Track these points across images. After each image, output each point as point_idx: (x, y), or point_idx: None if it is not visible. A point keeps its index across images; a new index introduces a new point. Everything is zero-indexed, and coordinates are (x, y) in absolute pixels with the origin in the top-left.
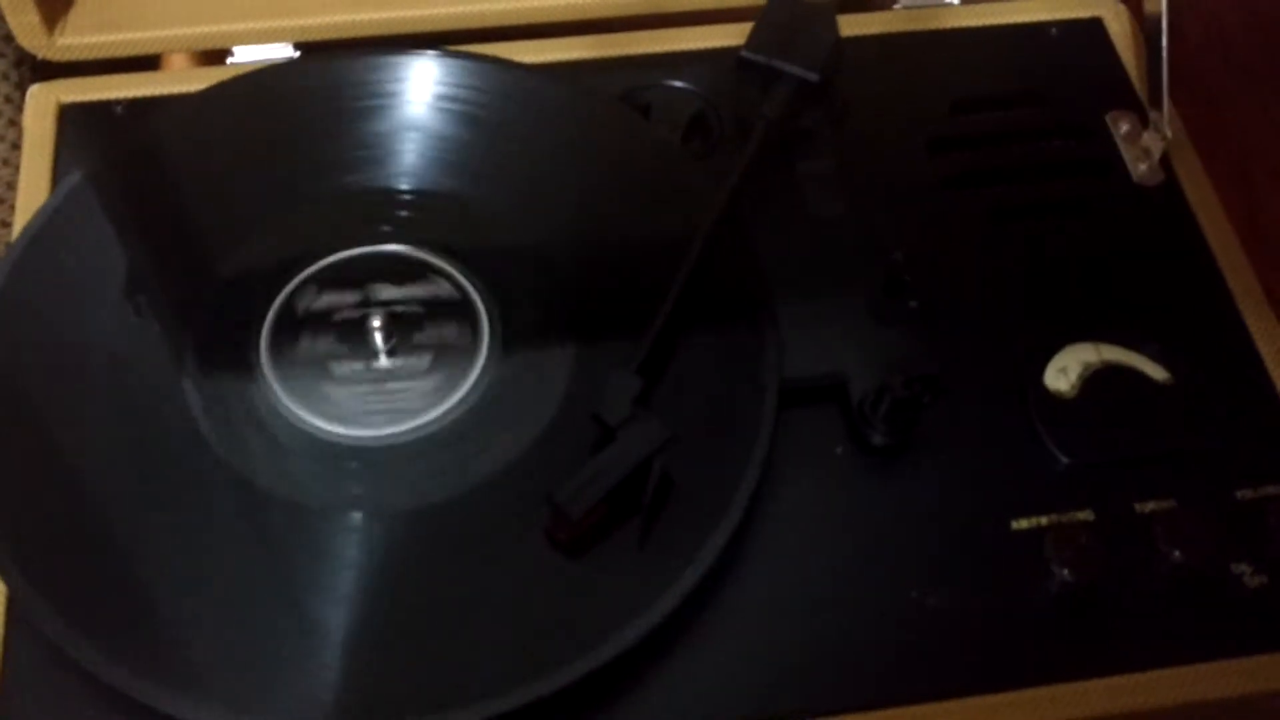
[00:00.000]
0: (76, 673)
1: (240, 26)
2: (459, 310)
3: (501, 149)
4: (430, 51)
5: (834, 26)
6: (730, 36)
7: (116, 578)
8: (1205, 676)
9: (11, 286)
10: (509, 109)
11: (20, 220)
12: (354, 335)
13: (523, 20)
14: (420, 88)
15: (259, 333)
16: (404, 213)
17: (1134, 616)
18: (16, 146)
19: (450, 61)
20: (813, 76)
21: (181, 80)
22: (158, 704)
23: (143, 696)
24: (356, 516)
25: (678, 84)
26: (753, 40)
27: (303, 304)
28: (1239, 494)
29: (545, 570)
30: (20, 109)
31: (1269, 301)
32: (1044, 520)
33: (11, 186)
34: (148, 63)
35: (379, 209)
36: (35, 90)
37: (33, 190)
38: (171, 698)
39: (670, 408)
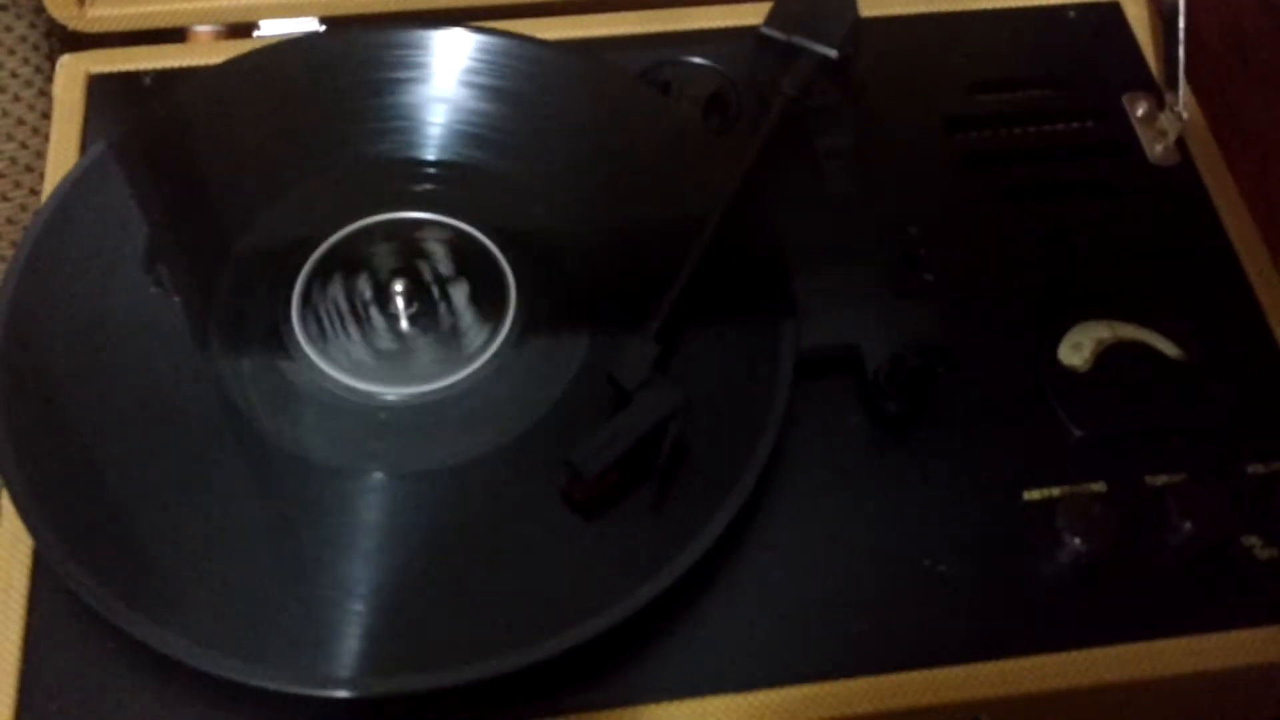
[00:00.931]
0: (101, 627)
1: (266, 0)
2: (483, 277)
3: (522, 123)
4: (451, 27)
5: (853, 4)
6: (750, 14)
7: (140, 534)
8: (1214, 646)
9: (39, 251)
10: (530, 84)
11: (49, 188)
12: (379, 300)
13: None
14: (442, 62)
15: (288, 294)
16: (426, 184)
17: (1144, 586)
18: (47, 116)
19: (471, 36)
20: (831, 53)
21: (208, 52)
22: (179, 655)
23: (166, 649)
24: (378, 476)
25: (697, 60)
26: (772, 17)
27: (329, 269)
28: (1250, 469)
29: (561, 531)
30: (50, 79)
31: None
32: (1056, 491)
33: (41, 155)
34: (176, 35)
35: (402, 179)
36: (65, 60)
37: (61, 159)
38: (190, 649)
39: (687, 375)
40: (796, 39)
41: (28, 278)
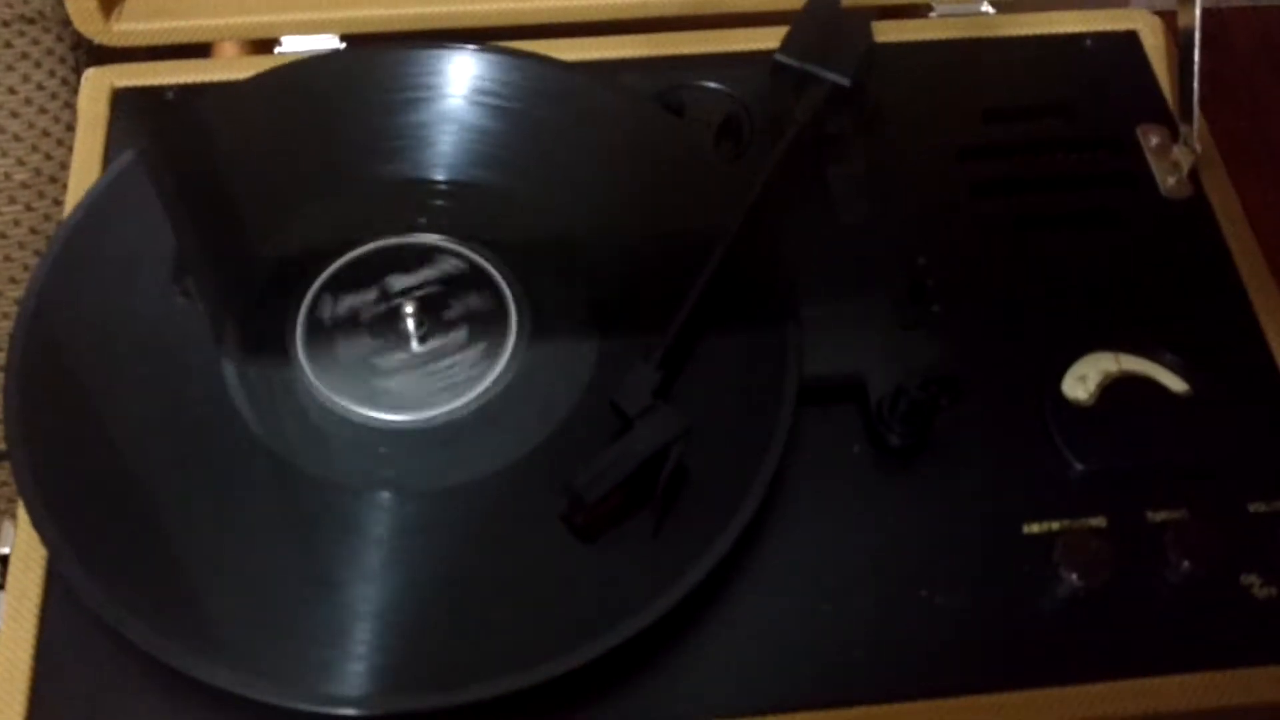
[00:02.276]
0: (112, 639)
1: (288, 17)
2: (490, 300)
3: (537, 144)
4: (468, 46)
5: (868, 33)
6: (766, 40)
7: (153, 548)
8: (1210, 685)
9: (62, 262)
10: (544, 104)
11: (72, 199)
12: (387, 322)
13: (564, 18)
14: (458, 82)
15: (295, 317)
16: (439, 203)
17: (1142, 623)
18: (72, 129)
19: (487, 57)
20: (845, 81)
21: (230, 68)
22: (188, 668)
23: (173, 661)
24: (383, 496)
25: (712, 85)
26: (787, 44)
27: (338, 290)
28: (1251, 507)
29: (562, 555)
30: (76, 92)
31: None
32: (1056, 525)
33: (66, 167)
34: (199, 50)
35: (415, 199)
36: (90, 74)
37: (85, 170)
38: (199, 662)
39: (690, 401)
40: (810, 67)
41: (51, 288)
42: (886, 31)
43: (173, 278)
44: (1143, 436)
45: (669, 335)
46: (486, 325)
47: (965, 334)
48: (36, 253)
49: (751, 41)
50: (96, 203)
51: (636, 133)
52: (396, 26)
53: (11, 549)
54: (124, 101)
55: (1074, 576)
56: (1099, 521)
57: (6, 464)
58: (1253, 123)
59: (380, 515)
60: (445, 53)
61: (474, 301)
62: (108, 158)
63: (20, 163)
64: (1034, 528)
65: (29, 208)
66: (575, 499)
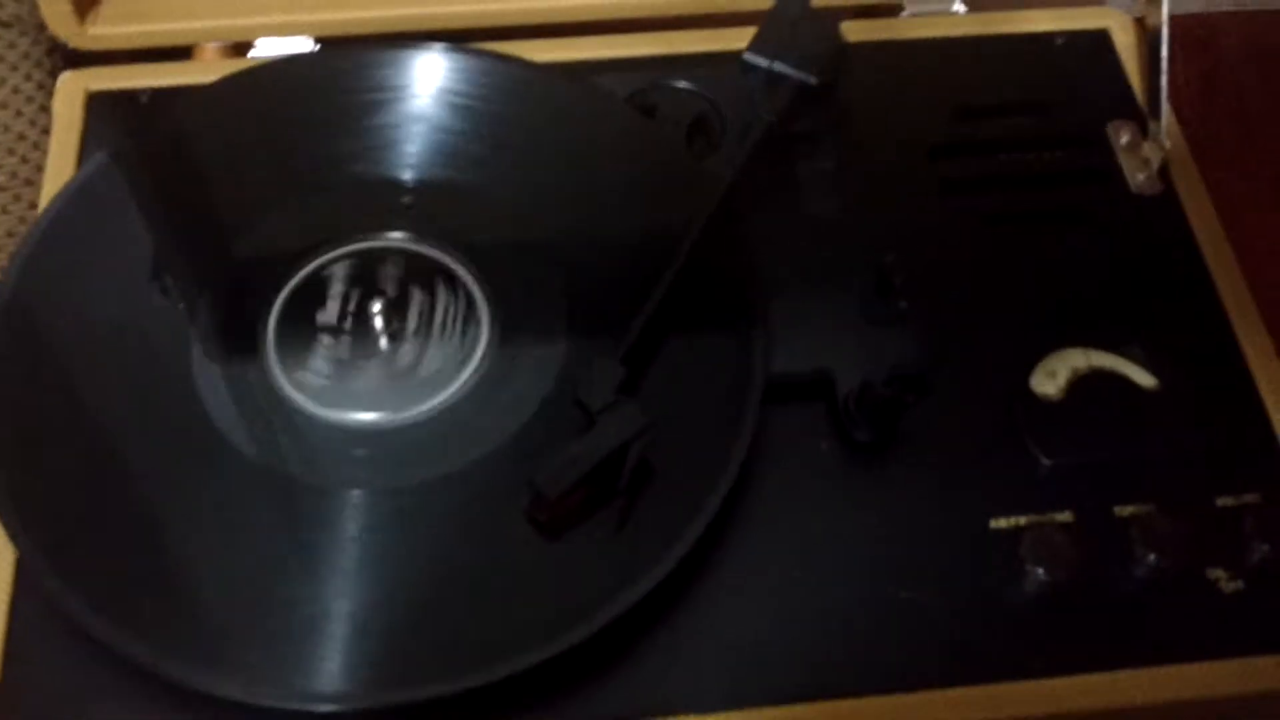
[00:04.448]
0: (82, 638)
1: (262, 20)
2: (460, 299)
3: (507, 144)
4: (437, 46)
5: (837, 31)
6: (737, 39)
7: (122, 546)
8: (1177, 678)
9: (33, 264)
10: (515, 105)
11: (44, 202)
12: (357, 320)
13: (537, 19)
14: (428, 82)
15: (267, 315)
16: (409, 202)
17: (1109, 617)
18: (47, 132)
19: (457, 57)
20: (812, 80)
21: (204, 71)
22: (156, 667)
23: (145, 661)
24: (353, 494)
25: (683, 84)
26: (755, 43)
27: (309, 289)
28: (1219, 501)
29: (527, 551)
30: (51, 95)
31: None
32: (1023, 520)
33: (42, 170)
34: (175, 54)
35: (386, 199)
36: (65, 78)
37: (60, 173)
38: (167, 661)
39: (656, 397)
40: (778, 66)
41: (22, 288)
42: (857, 31)
43: (151, 277)
44: (1111, 431)
45: (633, 331)
46: (456, 324)
47: (934, 330)
48: (11, 255)
49: (722, 42)
50: (68, 204)
51: (608, 133)
52: (371, 29)
53: None
54: (99, 105)
55: (1041, 571)
56: (1066, 516)
57: None
58: (1242, 126)
59: (351, 512)
60: (414, 53)
61: (444, 301)
62: (81, 160)
63: None
64: (1001, 523)
65: (4, 210)
66: (537, 495)
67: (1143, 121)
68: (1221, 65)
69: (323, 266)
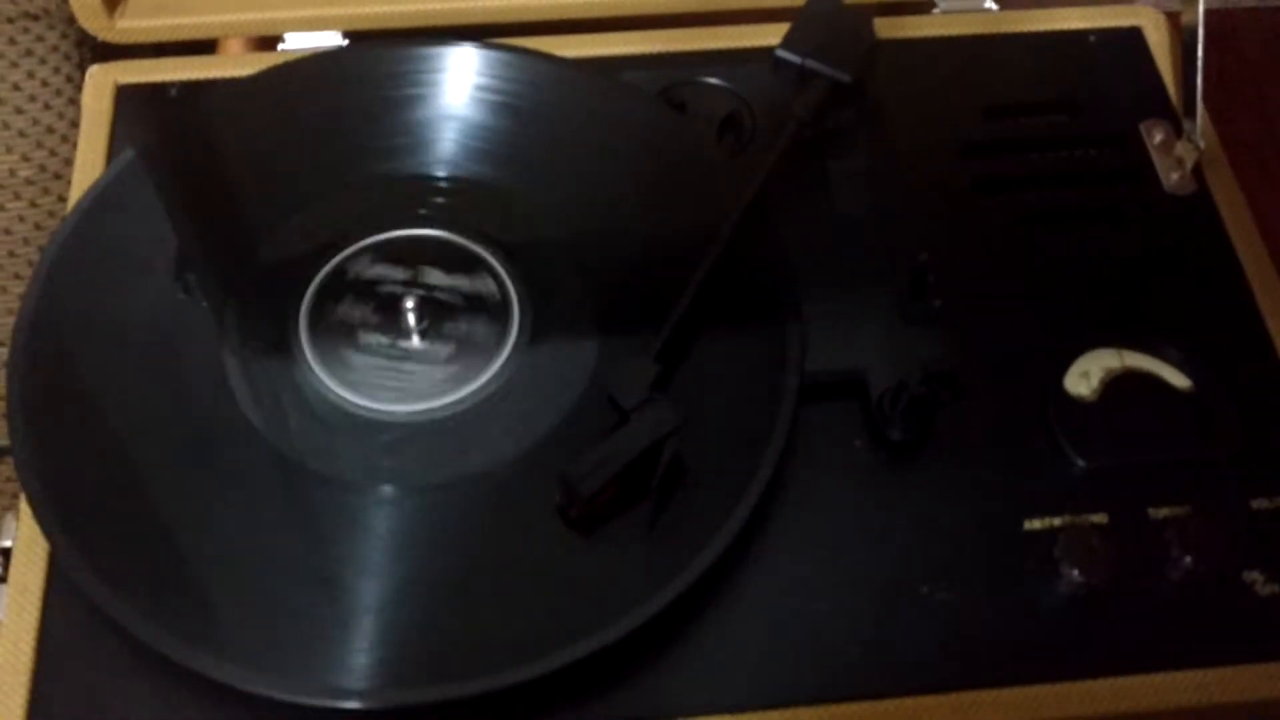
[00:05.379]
0: (114, 632)
1: (291, 14)
2: (491, 295)
3: (538, 140)
4: (469, 43)
5: (870, 28)
6: (769, 36)
7: (155, 541)
8: (1211, 682)
9: (64, 257)
10: (546, 101)
11: (75, 196)
12: (389, 315)
13: (565, 14)
14: (459, 78)
15: (297, 310)
16: (440, 199)
17: (1143, 620)
18: (76, 125)
19: (489, 53)
20: (845, 77)
21: (233, 65)
22: (188, 662)
23: (174, 654)
24: (385, 489)
25: (714, 81)
26: (788, 40)
27: (340, 285)
28: (1254, 503)
29: (561, 548)
30: (81, 89)
31: None
32: (1057, 521)
33: (70, 164)
34: (203, 47)
35: (416, 195)
36: (94, 71)
37: (89, 167)
38: (199, 656)
39: (690, 395)
40: (810, 63)
41: (52, 283)
42: (889, 28)
43: (175, 273)
44: (1145, 433)
45: (666, 329)
46: (488, 320)
47: (967, 329)
48: (40, 249)
49: (754, 38)
50: (98, 199)
51: (639, 129)
52: (399, 23)
53: (14, 542)
54: (128, 98)
55: (1075, 573)
56: (1100, 518)
57: (9, 459)
58: (1262, 123)
59: (382, 508)
60: (447, 49)
61: (475, 296)
62: (111, 154)
63: (25, 159)
64: (1035, 524)
65: (33, 204)
66: (569, 491)
67: (1175, 120)
68: (1241, 61)
69: (354, 261)
